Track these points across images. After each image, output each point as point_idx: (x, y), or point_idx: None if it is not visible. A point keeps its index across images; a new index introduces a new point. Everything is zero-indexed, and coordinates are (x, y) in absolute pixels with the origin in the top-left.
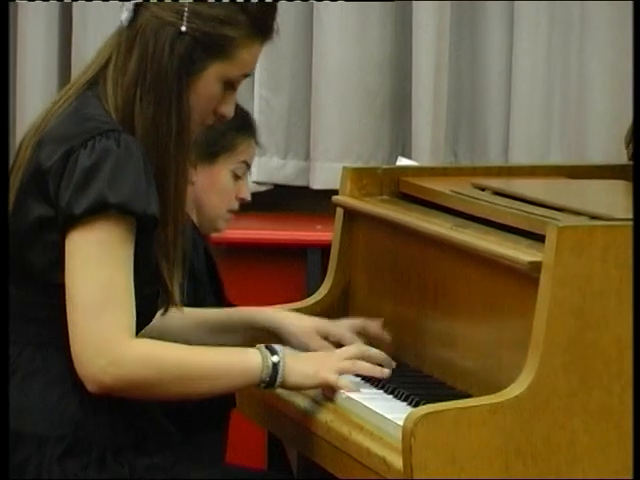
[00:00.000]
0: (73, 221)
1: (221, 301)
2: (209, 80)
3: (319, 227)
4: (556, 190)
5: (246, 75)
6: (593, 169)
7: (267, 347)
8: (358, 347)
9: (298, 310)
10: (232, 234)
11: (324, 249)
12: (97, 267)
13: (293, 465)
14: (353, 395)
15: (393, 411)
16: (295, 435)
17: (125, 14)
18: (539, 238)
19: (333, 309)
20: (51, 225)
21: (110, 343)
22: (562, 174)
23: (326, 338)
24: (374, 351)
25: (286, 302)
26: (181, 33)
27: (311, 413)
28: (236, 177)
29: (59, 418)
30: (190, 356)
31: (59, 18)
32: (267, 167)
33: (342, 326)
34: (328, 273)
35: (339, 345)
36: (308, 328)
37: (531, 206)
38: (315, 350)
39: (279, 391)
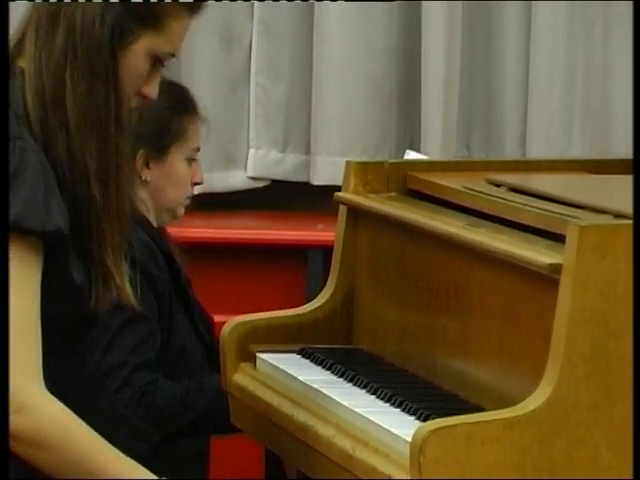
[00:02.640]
0: None
1: (190, 312)
2: (138, 54)
3: (320, 226)
4: (577, 186)
5: (173, 55)
6: (617, 163)
7: None
8: None
9: (298, 317)
10: (226, 234)
11: (326, 250)
12: (11, 296)
13: None
14: (357, 409)
15: (400, 426)
16: (294, 451)
17: None
18: (559, 238)
19: (335, 315)
20: None
21: (17, 387)
22: (584, 169)
23: None
24: None
25: (284, 308)
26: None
27: (312, 428)
28: (189, 161)
29: None
30: (97, 450)
31: None
32: (264, 161)
33: None
34: (330, 276)
35: None
36: None
37: (550, 203)
38: None
39: (277, 404)
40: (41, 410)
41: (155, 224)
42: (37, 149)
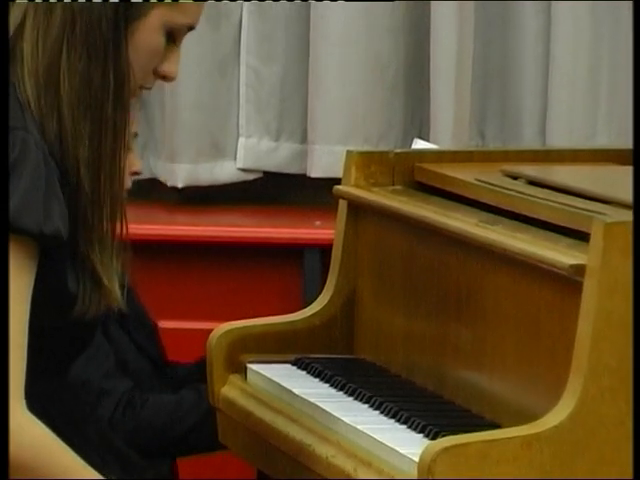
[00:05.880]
0: None
1: (121, 320)
2: (151, 29)
3: (318, 223)
4: (603, 179)
5: (191, 27)
6: None
7: None
8: None
9: (293, 323)
10: (213, 231)
11: (324, 249)
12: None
13: None
14: (359, 425)
15: (407, 444)
16: (290, 473)
17: None
18: (582, 236)
19: (335, 322)
20: None
21: (10, 404)
22: (610, 159)
23: None
24: None
25: (278, 313)
26: None
27: (309, 447)
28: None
29: None
30: (79, 475)
31: None
32: (256, 151)
33: None
34: (329, 278)
35: None
36: None
37: (573, 198)
38: None
39: (270, 420)
40: (20, 433)
41: None
42: (40, 142)
